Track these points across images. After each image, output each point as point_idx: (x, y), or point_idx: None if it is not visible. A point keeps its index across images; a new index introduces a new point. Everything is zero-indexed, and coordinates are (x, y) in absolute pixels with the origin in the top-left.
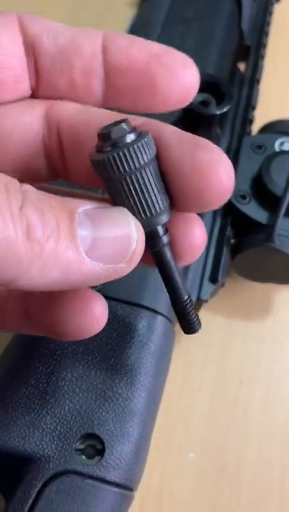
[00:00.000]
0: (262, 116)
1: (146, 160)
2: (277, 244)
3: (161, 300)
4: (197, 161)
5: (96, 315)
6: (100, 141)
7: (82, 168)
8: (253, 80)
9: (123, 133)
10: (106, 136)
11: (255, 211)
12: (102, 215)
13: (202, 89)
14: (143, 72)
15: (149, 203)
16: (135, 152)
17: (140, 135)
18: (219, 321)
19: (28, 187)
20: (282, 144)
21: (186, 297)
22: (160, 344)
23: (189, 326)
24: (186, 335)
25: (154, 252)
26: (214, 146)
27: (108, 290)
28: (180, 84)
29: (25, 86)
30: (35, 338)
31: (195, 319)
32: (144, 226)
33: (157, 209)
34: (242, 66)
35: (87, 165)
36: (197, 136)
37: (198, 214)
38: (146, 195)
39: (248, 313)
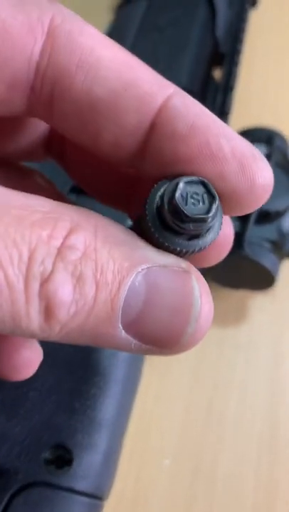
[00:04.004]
0: (239, 123)
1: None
2: (248, 251)
3: None
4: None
5: (25, 359)
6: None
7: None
8: (227, 86)
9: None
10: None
11: None
12: (161, 273)
13: None
14: None
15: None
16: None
17: (215, 203)
18: None
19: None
20: None
21: None
22: (130, 354)
23: None
24: None
25: None
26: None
27: None
28: None
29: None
30: None
31: None
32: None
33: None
34: (217, 73)
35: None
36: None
37: None
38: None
39: (223, 320)
